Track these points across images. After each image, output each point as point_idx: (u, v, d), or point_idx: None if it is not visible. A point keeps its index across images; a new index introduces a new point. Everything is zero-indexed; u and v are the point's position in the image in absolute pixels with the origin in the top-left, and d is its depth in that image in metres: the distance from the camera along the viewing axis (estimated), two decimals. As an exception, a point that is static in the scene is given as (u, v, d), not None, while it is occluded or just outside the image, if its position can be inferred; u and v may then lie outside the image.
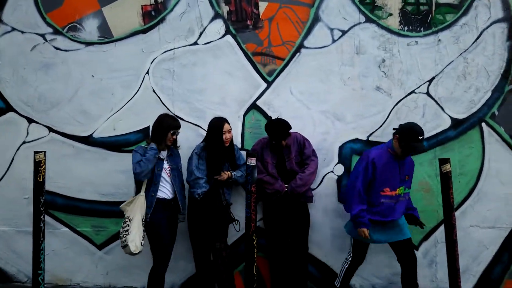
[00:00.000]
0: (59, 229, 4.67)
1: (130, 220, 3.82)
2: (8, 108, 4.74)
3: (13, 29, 4.75)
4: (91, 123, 4.68)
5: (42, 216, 3.83)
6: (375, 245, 4.56)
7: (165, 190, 4.00)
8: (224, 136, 4.21)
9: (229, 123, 4.30)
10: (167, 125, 4.01)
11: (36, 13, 4.75)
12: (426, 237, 4.59)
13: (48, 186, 4.12)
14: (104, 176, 4.64)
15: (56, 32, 4.72)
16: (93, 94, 4.69)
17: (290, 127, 4.30)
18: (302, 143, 4.43)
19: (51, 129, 4.70)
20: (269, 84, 4.67)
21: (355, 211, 3.92)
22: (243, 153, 4.49)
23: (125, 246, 3.80)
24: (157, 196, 3.95)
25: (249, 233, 4.32)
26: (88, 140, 4.67)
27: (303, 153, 4.41)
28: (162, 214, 3.97)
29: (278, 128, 4.29)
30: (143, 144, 4.08)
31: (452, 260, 3.88)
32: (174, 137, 4.04)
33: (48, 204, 4.31)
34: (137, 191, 3.97)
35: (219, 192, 4.25)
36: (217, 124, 4.25)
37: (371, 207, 3.98)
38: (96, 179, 4.65)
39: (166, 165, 4.04)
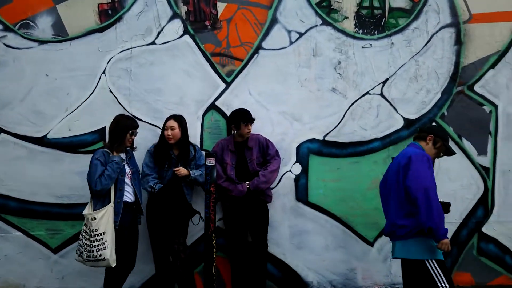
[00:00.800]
0: (12, 233, 4.52)
1: (103, 233, 3.70)
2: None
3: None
4: (45, 123, 4.56)
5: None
6: (331, 241, 4.69)
7: (127, 194, 3.95)
8: (165, 132, 4.20)
9: (176, 120, 4.25)
10: (125, 126, 3.96)
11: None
12: (381, 234, 4.73)
13: (-1, 189, 4.00)
14: (59, 178, 4.53)
15: (7, 29, 4.57)
16: (47, 94, 4.57)
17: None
18: (265, 144, 4.48)
19: (2, 130, 4.54)
20: (228, 84, 4.70)
21: (443, 223, 3.26)
22: (203, 153, 4.50)
23: (100, 260, 3.69)
24: None
25: (208, 233, 4.37)
26: (42, 141, 4.55)
27: (267, 154, 4.46)
28: (127, 218, 3.92)
29: (243, 110, 4.38)
30: (100, 147, 3.99)
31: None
32: (133, 137, 4.00)
33: (-1, 207, 4.18)
34: (98, 197, 3.86)
35: (181, 188, 4.24)
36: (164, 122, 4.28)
37: None
38: (50, 181, 4.53)
39: (127, 169, 3.99)
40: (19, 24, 4.58)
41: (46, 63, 4.57)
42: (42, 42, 4.59)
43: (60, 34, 4.60)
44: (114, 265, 3.73)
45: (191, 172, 4.23)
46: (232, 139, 4.49)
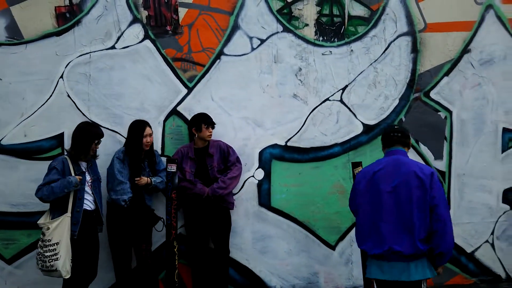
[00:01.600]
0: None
1: (57, 244, 3.60)
2: None
3: None
4: (0, 129, 4.40)
5: None
6: (294, 246, 4.73)
7: (87, 203, 3.85)
8: (144, 140, 4.15)
9: (150, 127, 4.26)
10: (92, 134, 3.86)
11: None
12: (342, 237, 4.82)
13: None
14: (15, 186, 4.38)
15: (-42, 31, 4.40)
16: (1, 99, 4.41)
17: None
18: (226, 151, 4.48)
19: (-47, 136, 4.36)
20: (189, 90, 4.67)
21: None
22: (164, 159, 4.45)
23: (53, 271, 3.59)
24: None
25: (169, 240, 4.32)
26: (-5, 148, 4.39)
27: (228, 161, 4.46)
28: (86, 226, 3.83)
29: (204, 114, 4.42)
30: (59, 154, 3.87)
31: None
32: (98, 146, 3.92)
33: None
34: (56, 206, 3.75)
35: (142, 195, 4.18)
36: (138, 127, 4.19)
37: None
38: (5, 188, 4.38)
39: (88, 177, 3.90)
40: (-31, 26, 4.42)
41: (0, 66, 4.42)
42: (-4, 44, 4.44)
43: (15, 37, 4.45)
44: (67, 276, 3.63)
45: (152, 179, 4.19)
46: (193, 146, 4.47)
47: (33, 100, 4.45)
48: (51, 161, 3.85)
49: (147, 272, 4.18)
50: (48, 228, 3.63)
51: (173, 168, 4.29)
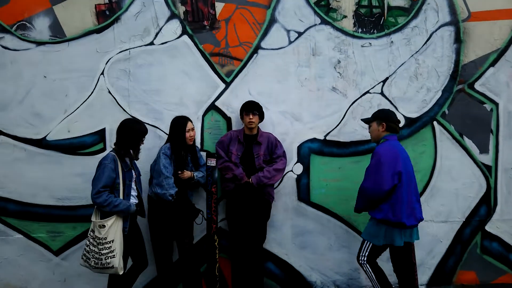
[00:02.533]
0: (12, 236, 4.49)
1: (112, 241, 3.64)
2: None
3: (-42, 28, 4.54)
4: (44, 125, 4.52)
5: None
6: (334, 241, 4.68)
7: (132, 198, 3.90)
8: (187, 134, 4.19)
9: (192, 122, 4.29)
10: (140, 132, 3.88)
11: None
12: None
13: (-1, 192, 3.95)
14: (59, 180, 4.50)
15: (4, 30, 4.53)
16: (45, 96, 4.53)
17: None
18: (274, 143, 4.47)
19: (1, 132, 4.50)
20: (227, 84, 4.67)
21: None
22: (203, 154, 4.47)
23: (108, 268, 3.64)
24: None
25: (210, 234, 4.35)
26: (41, 143, 4.51)
27: (274, 153, 4.44)
28: (133, 221, 3.92)
29: (249, 101, 4.43)
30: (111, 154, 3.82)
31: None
32: (143, 143, 3.95)
33: (-2, 210, 4.14)
34: None
35: (185, 190, 4.21)
36: (180, 123, 4.23)
37: None
38: (50, 183, 4.50)
39: (133, 174, 3.94)
40: (16, 26, 4.53)
41: (44, 64, 4.54)
42: (39, 43, 4.55)
43: (58, 35, 4.56)
44: (121, 272, 3.70)
45: (194, 174, 4.22)
46: (243, 132, 4.48)
47: (76, 96, 4.55)
48: (101, 159, 3.82)
49: (189, 266, 4.21)
50: (103, 226, 3.65)
51: (212, 162, 4.31)
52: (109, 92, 4.57)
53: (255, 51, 4.69)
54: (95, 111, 4.55)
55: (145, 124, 4.02)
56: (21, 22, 4.54)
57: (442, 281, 4.82)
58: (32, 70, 4.53)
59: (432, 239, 4.79)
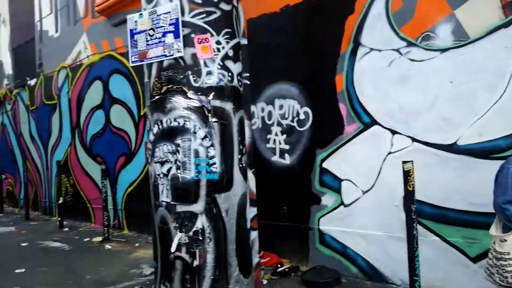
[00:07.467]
0: (429, 237, 4.73)
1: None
2: (373, 122, 5.17)
3: (371, 49, 5.16)
4: (454, 130, 4.56)
5: (415, 224, 3.98)
6: None
7: None
8: None
9: None
10: None
11: (390, 30, 5.01)
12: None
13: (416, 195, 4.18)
14: (473, 185, 4.42)
15: (410, 44, 4.84)
16: (452, 101, 4.56)
17: None
18: None
19: (413, 139, 4.83)
20: None
21: None
22: None
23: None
24: None
25: None
26: (452, 148, 4.57)
27: None
28: None
29: None
30: None
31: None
32: None
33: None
34: None
35: None
36: None
37: None
38: (463, 188, 4.50)
39: None
40: (420, 38, 4.77)
41: (448, 70, 4.58)
42: (443, 50, 4.62)
43: (461, 39, 4.51)
44: None
45: None
46: None
47: (485, 98, 4.37)
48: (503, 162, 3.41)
49: None
50: (504, 240, 3.29)
51: None
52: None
53: None
54: (507, 112, 4.24)
55: None
56: (425, 33, 4.75)
57: None
58: (437, 77, 4.66)
59: None
